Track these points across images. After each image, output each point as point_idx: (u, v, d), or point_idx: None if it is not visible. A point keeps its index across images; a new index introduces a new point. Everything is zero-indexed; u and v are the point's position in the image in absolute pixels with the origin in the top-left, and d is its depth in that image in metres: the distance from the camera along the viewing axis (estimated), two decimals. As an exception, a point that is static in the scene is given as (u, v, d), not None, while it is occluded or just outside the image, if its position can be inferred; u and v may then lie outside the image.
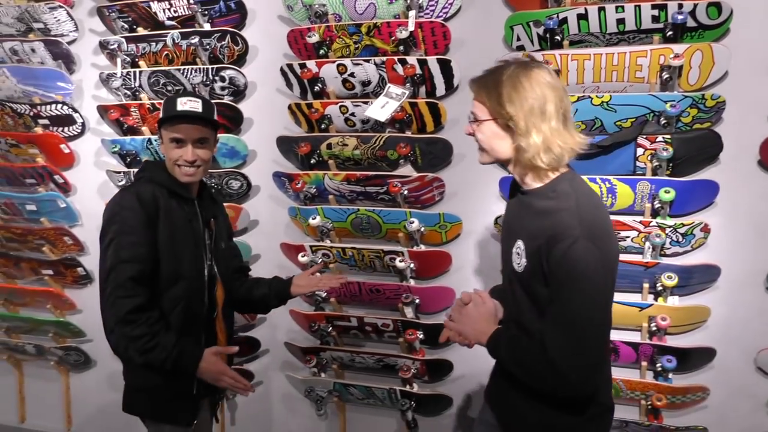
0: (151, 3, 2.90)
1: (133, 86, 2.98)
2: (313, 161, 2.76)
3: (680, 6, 2.19)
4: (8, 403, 3.52)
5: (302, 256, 2.73)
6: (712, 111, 2.22)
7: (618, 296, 2.29)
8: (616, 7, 2.26)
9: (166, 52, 2.93)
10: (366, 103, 2.61)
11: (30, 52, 3.13)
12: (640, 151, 2.29)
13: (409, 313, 2.62)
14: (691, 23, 2.22)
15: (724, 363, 2.30)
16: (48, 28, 3.13)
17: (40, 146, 3.14)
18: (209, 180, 2.83)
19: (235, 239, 2.79)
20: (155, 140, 2.91)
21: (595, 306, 1.38)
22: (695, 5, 2.18)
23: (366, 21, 2.62)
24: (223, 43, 2.83)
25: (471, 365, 2.56)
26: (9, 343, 3.36)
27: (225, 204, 2.78)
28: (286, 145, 2.79)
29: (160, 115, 1.91)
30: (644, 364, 2.32)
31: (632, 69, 2.29)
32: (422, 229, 2.57)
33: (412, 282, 2.65)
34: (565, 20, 2.35)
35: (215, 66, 2.83)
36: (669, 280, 2.23)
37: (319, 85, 2.70)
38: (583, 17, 2.32)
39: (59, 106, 3.09)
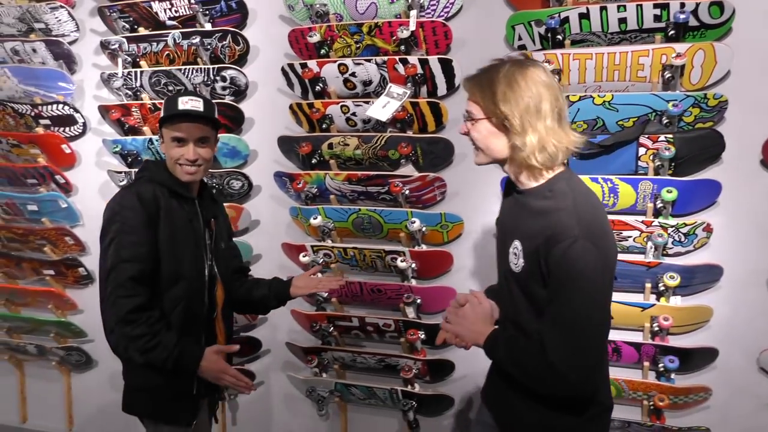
0: (152, 3, 2.89)
1: (134, 86, 2.98)
2: (314, 161, 2.76)
3: (682, 5, 2.19)
4: (10, 404, 3.52)
5: (303, 256, 2.73)
6: (714, 110, 2.21)
7: (620, 296, 2.31)
8: (618, 7, 2.26)
9: (167, 52, 2.93)
10: (367, 102, 2.61)
11: (31, 52, 3.13)
12: (642, 150, 2.29)
13: (410, 313, 2.62)
14: (693, 22, 2.21)
15: (726, 363, 2.29)
16: (49, 29, 3.13)
17: (42, 146, 3.14)
18: (210, 180, 2.83)
19: (236, 239, 2.79)
20: (156, 140, 2.90)
21: (594, 306, 1.37)
22: (697, 4, 2.17)
23: (367, 20, 2.62)
24: (224, 42, 2.83)
25: (473, 365, 2.55)
26: (10, 344, 3.36)
27: (226, 204, 2.78)
28: (287, 144, 2.79)
29: (161, 114, 1.91)
30: (646, 364, 2.32)
31: (634, 68, 2.28)
32: (424, 229, 2.57)
33: (413, 282, 2.64)
34: (566, 19, 2.34)
35: (216, 66, 2.83)
36: (671, 280, 2.23)
37: (321, 84, 2.70)
38: (584, 16, 2.32)
39: (60, 106, 3.09)
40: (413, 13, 2.53)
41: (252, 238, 2.97)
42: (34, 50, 3.12)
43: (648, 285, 2.31)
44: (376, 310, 2.77)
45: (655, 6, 2.21)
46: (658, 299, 2.31)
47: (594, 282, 1.36)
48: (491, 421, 1.70)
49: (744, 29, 2.22)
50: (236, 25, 2.87)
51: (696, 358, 2.28)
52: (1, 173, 3.23)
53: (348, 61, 2.62)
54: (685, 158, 2.24)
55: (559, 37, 2.37)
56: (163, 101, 1.97)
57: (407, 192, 2.58)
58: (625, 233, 2.31)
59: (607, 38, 2.35)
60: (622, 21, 2.29)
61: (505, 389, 1.59)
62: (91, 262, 3.14)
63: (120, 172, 2.97)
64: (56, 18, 3.10)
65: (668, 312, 2.26)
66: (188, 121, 1.88)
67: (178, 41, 2.86)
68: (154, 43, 2.93)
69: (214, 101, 2.08)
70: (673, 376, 2.29)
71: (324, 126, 2.72)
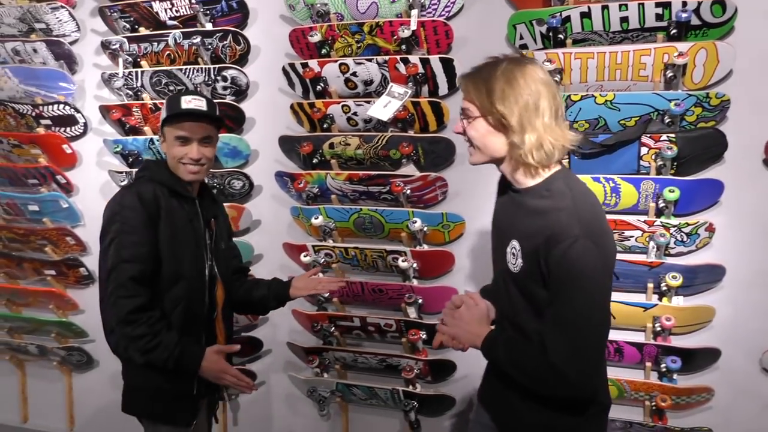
0: (152, 3, 2.89)
1: (135, 86, 2.98)
2: (315, 161, 2.75)
3: (684, 4, 2.18)
4: (11, 404, 3.52)
5: (305, 256, 2.72)
6: (716, 110, 2.20)
7: (622, 296, 2.31)
8: (620, 6, 2.25)
9: (168, 52, 2.93)
10: (368, 102, 2.60)
11: (32, 52, 3.13)
12: (644, 150, 2.28)
13: (412, 313, 2.61)
14: (695, 21, 2.20)
15: (729, 364, 2.28)
16: (50, 29, 3.13)
17: (43, 146, 3.14)
18: (211, 180, 2.83)
19: (237, 239, 2.80)
20: (157, 140, 2.90)
21: (595, 306, 1.37)
22: (699, 3, 2.17)
23: (368, 20, 2.61)
24: (225, 42, 2.83)
25: (474, 365, 2.52)
26: (12, 344, 3.36)
27: (227, 204, 2.79)
28: (288, 144, 2.79)
29: (164, 114, 1.90)
30: (648, 364, 2.31)
31: (636, 67, 2.27)
32: (425, 228, 2.56)
33: (414, 282, 2.64)
34: (568, 18, 2.34)
35: (217, 66, 2.83)
36: (674, 280, 2.22)
37: (322, 84, 2.69)
38: (586, 15, 2.31)
39: (61, 106, 3.09)
40: (414, 12, 2.53)
41: (253, 238, 2.96)
42: (35, 50, 3.12)
43: (650, 285, 2.30)
44: (378, 310, 2.77)
45: (657, 5, 2.20)
46: (660, 299, 2.31)
47: (595, 282, 1.36)
48: (489, 422, 1.69)
49: (746, 28, 2.21)
50: (237, 25, 2.87)
51: (698, 359, 2.28)
52: (2, 173, 3.24)
53: (349, 61, 2.62)
54: (688, 158, 2.23)
55: (561, 36, 2.36)
56: (164, 101, 1.96)
57: (408, 192, 2.58)
58: (627, 233, 2.30)
59: (609, 37, 2.34)
60: (624, 20, 2.28)
61: (503, 389, 1.58)
62: (92, 262, 3.13)
63: (121, 172, 2.97)
64: (57, 18, 3.10)
65: (670, 312, 2.25)
66: (192, 120, 1.88)
67: (178, 41, 2.86)
68: (155, 43, 2.93)
69: (215, 101, 2.08)
70: (675, 376, 2.28)
71: (325, 126, 2.72)
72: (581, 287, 1.34)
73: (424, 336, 2.58)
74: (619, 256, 2.26)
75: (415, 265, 2.59)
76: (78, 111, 3.12)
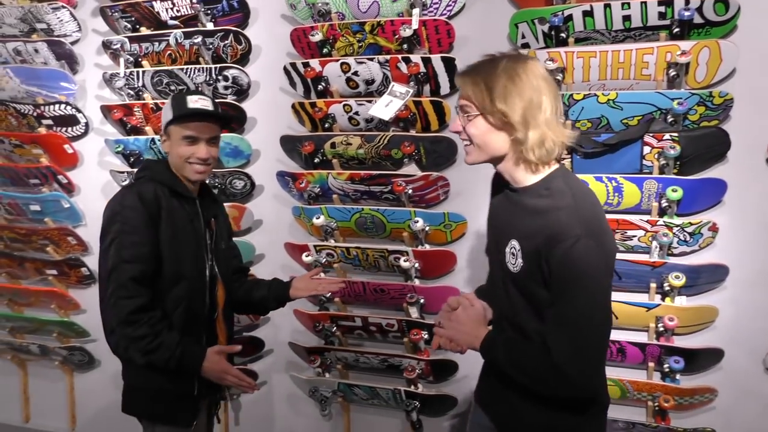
0: (153, 3, 2.89)
1: (136, 86, 2.98)
2: (316, 160, 2.74)
3: (687, 2, 2.17)
4: (13, 403, 3.53)
5: (306, 256, 2.72)
6: (719, 108, 2.19)
7: (625, 296, 2.30)
8: (622, 4, 2.24)
9: (169, 52, 2.93)
10: (370, 101, 2.60)
11: (33, 52, 3.13)
12: (646, 149, 2.27)
13: (413, 312, 2.61)
14: (698, 20, 2.19)
15: (732, 364, 2.27)
16: (51, 29, 3.13)
17: (44, 146, 3.14)
18: (213, 180, 2.83)
19: (239, 239, 2.80)
20: (158, 140, 2.90)
21: (597, 305, 1.36)
22: (702, 1, 2.15)
23: (369, 19, 2.61)
24: (226, 42, 2.82)
25: (476, 365, 2.49)
26: (13, 343, 3.36)
27: (229, 204, 2.79)
28: (289, 144, 2.78)
29: (170, 113, 1.89)
30: (651, 364, 2.30)
31: (638, 66, 2.26)
32: (427, 228, 2.56)
33: (416, 282, 2.63)
34: (570, 17, 2.33)
35: (218, 65, 2.83)
36: (676, 279, 2.21)
37: (323, 83, 2.69)
38: (588, 14, 2.30)
39: (63, 106, 3.09)
40: (416, 11, 2.52)
41: (255, 238, 2.96)
42: (36, 50, 3.12)
43: (653, 285, 2.29)
44: (380, 310, 2.76)
45: (660, 3, 2.19)
46: (663, 299, 2.30)
47: (597, 281, 1.35)
48: (488, 423, 1.67)
49: (749, 26, 2.20)
50: (238, 25, 2.87)
51: (701, 359, 2.27)
52: (3, 173, 3.24)
53: (350, 60, 2.61)
54: (691, 157, 2.22)
55: (563, 35, 2.35)
56: (165, 101, 1.96)
57: (410, 191, 2.57)
58: (630, 233, 2.29)
59: (611, 36, 2.33)
60: (627, 18, 2.27)
61: (502, 389, 1.56)
62: (94, 262, 3.09)
63: (122, 172, 2.97)
64: (58, 18, 3.10)
65: (673, 312, 2.24)
66: (201, 120, 1.89)
67: (180, 41, 2.86)
68: (156, 43, 2.92)
69: (216, 101, 2.08)
70: (678, 376, 2.27)
71: (326, 125, 2.71)
72: (583, 287, 1.33)
73: (425, 336, 2.57)
74: (621, 256, 2.28)
75: (416, 264, 2.59)
76: (79, 111, 3.12)
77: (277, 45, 2.85)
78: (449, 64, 2.50)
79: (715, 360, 2.27)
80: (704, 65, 2.20)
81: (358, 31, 2.61)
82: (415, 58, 2.52)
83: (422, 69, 2.52)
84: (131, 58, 2.97)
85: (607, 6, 2.26)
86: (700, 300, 2.30)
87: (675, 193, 2.20)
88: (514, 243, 1.46)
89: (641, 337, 2.32)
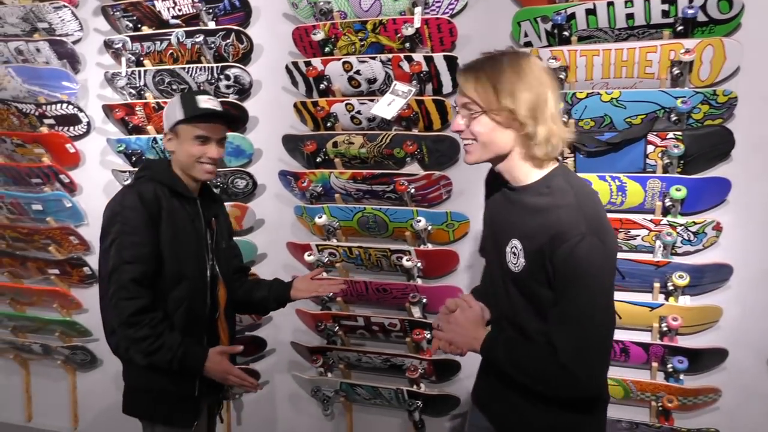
0: (155, 2, 2.89)
1: (138, 85, 2.97)
2: (319, 160, 2.74)
3: (691, 0, 2.16)
4: (15, 402, 3.53)
5: (308, 255, 2.71)
6: (723, 107, 2.18)
7: (628, 296, 2.29)
8: (626, 2, 2.23)
9: (170, 51, 2.92)
10: (372, 100, 2.59)
11: (35, 51, 3.13)
12: (650, 148, 2.26)
13: (416, 312, 2.60)
14: (701, 18, 2.18)
15: (736, 364, 2.26)
16: (53, 28, 3.13)
17: (46, 146, 3.14)
18: (215, 179, 2.82)
19: (241, 238, 2.79)
20: (160, 139, 2.89)
21: (602, 303, 1.36)
22: (706, -1, 2.15)
23: (371, 18, 2.60)
24: (228, 41, 2.82)
25: (478, 365, 2.53)
26: (16, 343, 3.36)
27: (231, 203, 2.78)
28: (291, 143, 2.78)
29: (180, 112, 1.88)
30: (655, 364, 2.29)
31: (642, 65, 2.25)
32: (429, 227, 2.55)
33: (419, 281, 2.63)
34: (573, 15, 2.32)
35: (220, 64, 2.82)
36: (680, 279, 2.20)
37: (325, 83, 2.68)
38: (591, 12, 2.29)
39: (64, 105, 3.09)
40: (418, 10, 2.51)
41: (257, 237, 2.95)
42: (38, 50, 3.12)
43: (656, 284, 2.28)
44: (382, 310, 2.76)
45: (663, 1, 2.18)
46: (666, 299, 2.29)
47: (602, 279, 1.35)
48: (487, 424, 1.66)
49: (753, 24, 2.18)
50: (240, 24, 2.86)
51: (705, 359, 2.26)
52: (6, 173, 3.24)
53: (352, 59, 2.61)
54: (694, 156, 2.21)
55: (566, 33, 2.34)
56: (170, 100, 1.96)
57: (413, 190, 2.56)
58: (633, 232, 2.28)
59: (615, 34, 2.32)
60: (630, 17, 2.26)
61: (502, 389, 1.55)
62: (96, 261, 3.09)
63: (124, 172, 2.97)
64: (60, 17, 3.09)
65: (677, 312, 2.23)
66: (213, 120, 1.90)
67: (181, 40, 2.85)
68: (158, 42, 2.92)
69: (219, 101, 2.08)
70: (681, 376, 2.26)
71: (329, 124, 2.71)
72: (588, 285, 1.33)
73: (428, 336, 2.57)
74: (625, 255, 2.27)
75: (419, 264, 2.58)
76: (81, 110, 3.12)
77: (278, 44, 2.84)
78: (451, 62, 2.49)
79: (720, 360, 2.26)
80: (708, 63, 2.18)
81: (360, 29, 2.60)
82: (418, 56, 2.51)
83: (424, 68, 2.51)
84: (133, 58, 2.96)
85: (610, 4, 2.25)
86: (704, 300, 2.29)
87: (679, 192, 2.18)
88: (515, 242, 1.44)
89: (645, 337, 2.31)
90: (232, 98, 2.85)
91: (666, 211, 2.27)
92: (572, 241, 1.31)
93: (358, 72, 2.63)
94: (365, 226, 2.69)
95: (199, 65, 2.84)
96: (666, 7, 2.19)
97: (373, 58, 2.58)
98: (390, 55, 2.56)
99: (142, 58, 2.97)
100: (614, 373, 2.20)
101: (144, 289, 1.78)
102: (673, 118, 2.22)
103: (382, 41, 2.62)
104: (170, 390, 1.88)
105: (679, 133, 2.20)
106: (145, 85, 2.97)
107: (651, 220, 2.25)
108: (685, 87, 2.24)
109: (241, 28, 2.81)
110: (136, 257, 1.77)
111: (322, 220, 2.68)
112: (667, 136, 2.21)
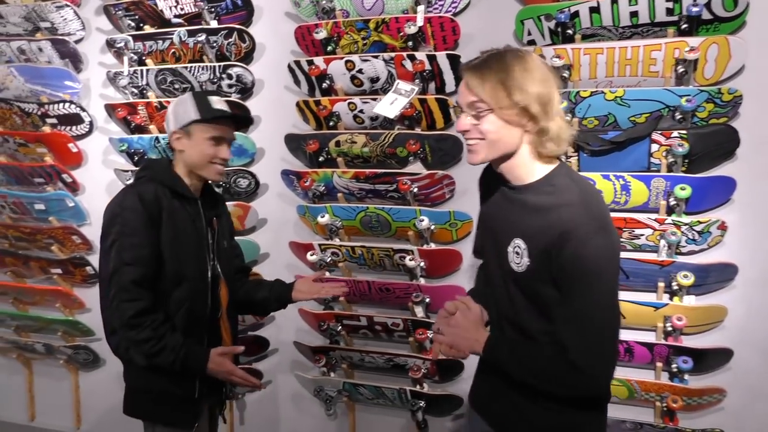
0: (157, 1, 2.89)
1: (140, 84, 2.97)
2: (321, 159, 2.73)
3: (695, -2, 2.15)
4: (18, 402, 3.54)
5: (311, 255, 2.71)
6: (728, 105, 2.17)
7: (632, 295, 2.28)
8: (630, 0, 2.21)
9: (173, 50, 2.92)
10: (375, 99, 2.59)
11: (37, 51, 3.13)
12: (654, 147, 2.25)
13: (419, 312, 2.59)
14: (706, 15, 2.17)
15: (741, 364, 2.25)
16: (55, 27, 3.13)
17: (48, 145, 3.14)
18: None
19: (243, 238, 2.79)
20: (163, 138, 2.89)
21: (611, 301, 1.36)
22: (710, -3, 2.13)
23: (374, 16, 2.59)
24: (230, 40, 2.81)
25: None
26: (19, 342, 3.36)
27: (233, 202, 2.78)
28: (294, 142, 2.77)
29: (195, 112, 1.87)
30: (659, 364, 2.28)
31: (646, 63, 2.24)
32: (432, 227, 2.54)
33: (422, 281, 2.62)
34: (576, 14, 2.31)
35: (222, 63, 2.81)
36: (685, 279, 2.19)
37: (327, 81, 2.68)
38: (595, 10, 2.28)
39: (67, 105, 3.09)
40: (420, 8, 2.50)
41: (259, 237, 2.95)
42: (40, 49, 3.12)
43: (661, 284, 2.27)
44: (385, 309, 2.75)
45: (668, -1, 2.18)
46: (671, 299, 2.27)
47: (609, 276, 1.35)
48: (486, 427, 1.63)
49: (758, 22, 2.17)
50: (242, 23, 2.86)
51: (710, 359, 2.24)
52: (8, 172, 3.24)
53: (355, 58, 2.60)
54: (699, 154, 2.20)
55: (569, 31, 2.33)
56: (174, 99, 1.96)
57: (415, 190, 2.56)
58: (638, 231, 2.27)
59: (619, 32, 2.31)
60: (634, 15, 2.25)
61: (504, 389, 1.53)
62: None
63: (127, 171, 2.97)
64: (62, 17, 3.09)
65: (682, 312, 2.22)
66: (228, 122, 1.93)
67: (183, 39, 2.85)
68: (160, 41, 2.92)
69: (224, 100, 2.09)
70: (686, 377, 2.25)
71: (331, 123, 2.70)
72: (597, 283, 1.32)
73: (431, 335, 2.56)
74: (629, 255, 2.27)
75: (422, 263, 2.57)
76: (83, 110, 3.11)
77: (281, 43, 2.84)
78: (454, 61, 2.48)
79: (725, 360, 2.25)
80: (713, 62, 2.17)
81: (363, 28, 2.60)
82: (420, 55, 2.50)
83: (427, 66, 2.50)
84: (135, 57, 2.96)
85: (614, 2, 2.24)
86: (709, 299, 2.28)
87: (683, 191, 2.17)
88: (518, 242, 1.43)
89: (649, 337, 2.30)
90: (234, 97, 2.84)
91: (670, 211, 2.26)
92: (581, 239, 1.30)
93: (360, 71, 2.63)
94: (368, 225, 2.68)
95: (202, 64, 2.84)
96: (670, 4, 2.18)
97: (376, 57, 2.57)
98: (393, 54, 2.55)
99: (144, 58, 2.97)
100: (618, 373, 2.16)
101: (145, 290, 1.77)
102: (678, 116, 2.21)
103: (385, 40, 2.61)
104: (170, 391, 1.88)
105: (684, 131, 2.19)
106: (147, 84, 2.97)
107: (655, 220, 2.24)
108: (690, 85, 2.22)
109: (243, 27, 2.80)
110: (136, 259, 1.76)
111: (324, 219, 2.67)
112: (672, 135, 2.20)
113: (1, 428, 3.53)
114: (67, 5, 3.05)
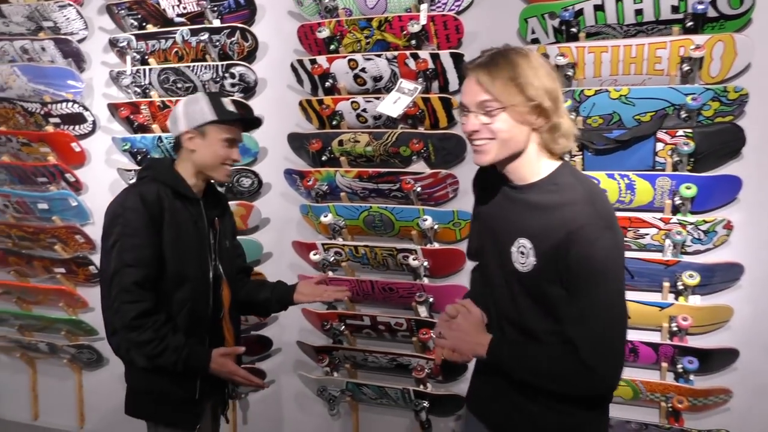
0: (160, 0, 2.87)
1: (143, 84, 2.97)
2: (324, 158, 2.73)
3: (701, -5, 2.13)
4: (22, 401, 3.54)
5: (314, 254, 2.70)
6: (734, 104, 2.15)
7: (638, 295, 2.27)
8: (635, -2, 2.21)
9: (175, 49, 2.92)
10: (378, 98, 2.58)
11: (40, 50, 3.13)
12: (659, 145, 2.23)
13: (422, 312, 2.58)
14: (711, 13, 2.15)
15: (747, 364, 2.23)
16: (58, 27, 3.13)
17: (51, 145, 3.14)
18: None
19: (246, 237, 2.79)
20: (165, 138, 2.89)
21: (620, 298, 1.36)
22: (716, -5, 2.12)
23: (377, 15, 2.59)
24: (233, 39, 2.81)
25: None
26: (22, 341, 3.37)
27: (236, 202, 2.77)
28: (297, 141, 2.76)
29: (211, 113, 1.87)
30: (665, 365, 2.27)
31: (651, 61, 2.23)
32: (436, 226, 2.54)
33: (425, 280, 2.61)
34: (581, 11, 2.30)
35: (225, 63, 2.81)
36: (690, 278, 2.17)
37: (330, 80, 2.67)
38: (599, 8, 2.27)
39: (70, 104, 3.09)
40: (424, 6, 2.49)
41: (262, 236, 2.95)
42: (43, 49, 3.12)
43: (666, 284, 2.26)
44: (388, 309, 2.74)
45: (673, -3, 2.16)
46: (676, 298, 2.26)
47: (617, 273, 1.35)
48: (484, 430, 1.62)
49: (764, 20, 2.15)
50: (245, 22, 2.85)
51: (716, 359, 2.23)
52: (11, 172, 3.24)
53: (358, 57, 2.59)
54: (705, 153, 2.18)
55: (574, 29, 2.32)
56: (183, 98, 1.97)
57: (419, 189, 2.55)
58: (643, 231, 2.26)
59: (623, 30, 2.30)
60: (639, 12, 2.23)
61: (504, 389, 1.52)
62: (102, 260, 3.14)
63: (130, 170, 2.97)
64: (65, 16, 3.09)
65: (687, 312, 2.21)
66: (239, 125, 1.95)
67: (186, 38, 2.85)
68: (163, 41, 2.91)
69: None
70: (692, 377, 2.23)
71: (334, 122, 2.69)
72: (607, 281, 1.32)
73: (434, 336, 2.55)
74: (634, 255, 2.26)
75: (425, 263, 2.57)
76: (86, 109, 3.11)
77: (284, 42, 2.83)
78: (458, 60, 2.47)
79: (730, 360, 2.24)
80: (718, 60, 2.16)
81: (366, 27, 2.59)
82: (424, 54, 2.49)
83: (431, 65, 2.49)
84: (138, 56, 2.96)
85: (618, 0, 2.22)
86: (715, 299, 2.27)
87: (689, 191, 2.16)
88: (523, 242, 1.42)
89: (654, 337, 2.29)
90: (237, 97, 2.84)
91: (676, 210, 2.24)
92: (588, 239, 1.30)
93: (363, 70, 2.62)
94: (371, 224, 2.67)
95: (204, 63, 2.83)
96: (675, 2, 2.17)
97: (379, 56, 2.56)
98: (396, 53, 2.54)
99: (147, 57, 2.97)
100: (623, 373, 2.16)
101: (146, 291, 1.76)
102: (683, 115, 2.19)
103: (388, 38, 2.60)
104: (171, 392, 1.87)
105: (689, 130, 2.18)
106: (150, 83, 2.96)
107: (660, 219, 2.23)
108: (695, 84, 2.21)
109: (246, 26, 2.80)
110: (137, 260, 1.75)
111: (327, 218, 2.66)
112: (677, 134, 2.19)
113: (4, 427, 3.54)
114: (70, 4, 3.05)
